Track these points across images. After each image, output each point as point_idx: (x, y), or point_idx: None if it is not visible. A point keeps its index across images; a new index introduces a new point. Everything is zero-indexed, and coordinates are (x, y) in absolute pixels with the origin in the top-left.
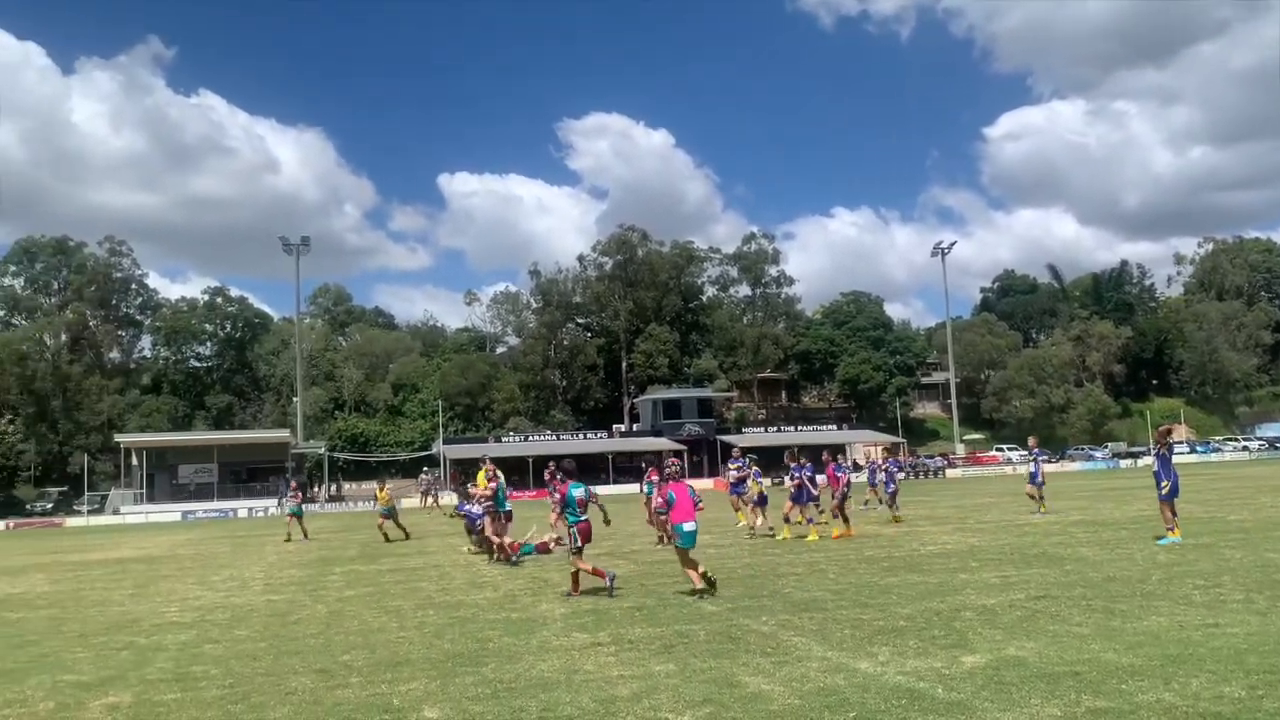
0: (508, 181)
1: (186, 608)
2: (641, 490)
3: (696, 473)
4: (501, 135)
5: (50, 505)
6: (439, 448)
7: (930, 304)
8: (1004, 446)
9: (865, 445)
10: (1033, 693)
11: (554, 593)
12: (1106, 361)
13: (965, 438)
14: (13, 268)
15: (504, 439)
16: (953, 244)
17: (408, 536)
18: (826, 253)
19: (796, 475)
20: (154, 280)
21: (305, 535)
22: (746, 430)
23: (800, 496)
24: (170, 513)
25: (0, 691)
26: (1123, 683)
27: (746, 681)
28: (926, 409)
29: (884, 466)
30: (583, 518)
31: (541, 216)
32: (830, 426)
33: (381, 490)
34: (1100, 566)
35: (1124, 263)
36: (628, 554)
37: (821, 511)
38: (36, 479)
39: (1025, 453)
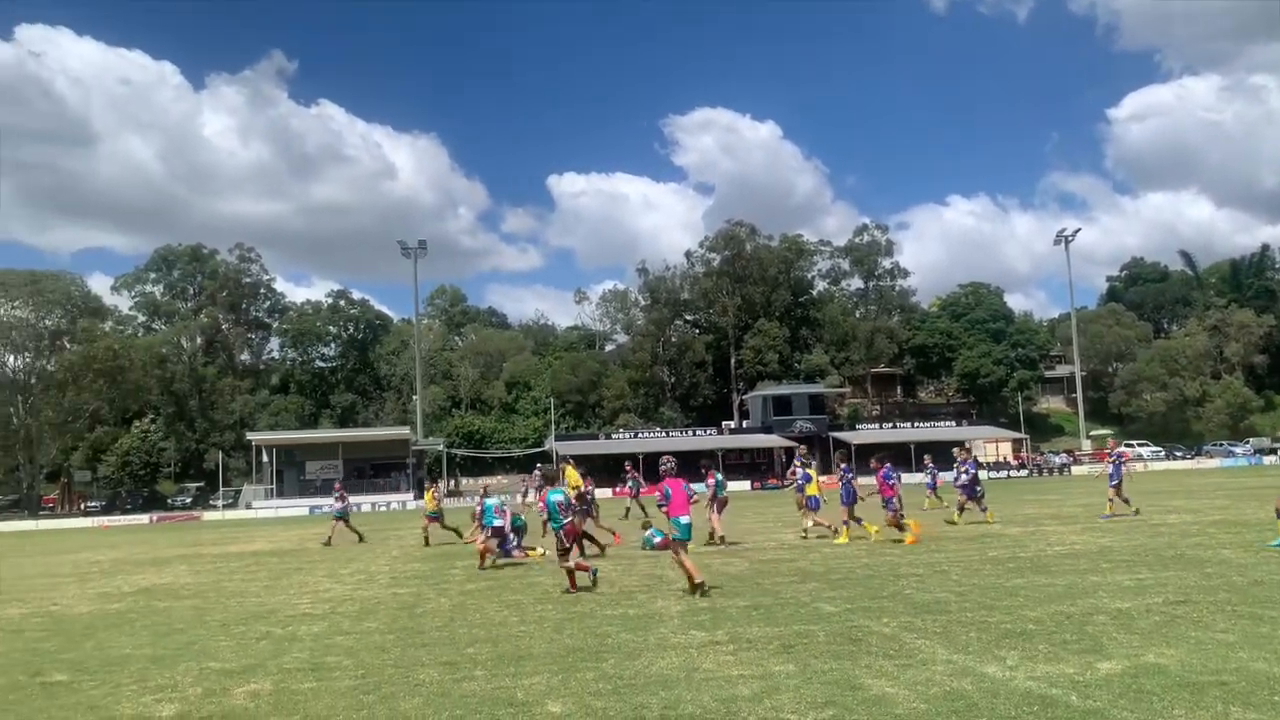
0: (614, 180)
1: (318, 600)
2: (709, 488)
3: None
4: (608, 134)
5: (189, 500)
6: (551, 444)
7: (1053, 294)
8: (1133, 442)
9: (986, 441)
10: (1175, 702)
11: (669, 590)
12: (1247, 352)
13: (1092, 433)
14: (152, 275)
15: (614, 436)
16: (1076, 231)
17: (461, 536)
18: (942, 243)
19: (847, 475)
20: (280, 285)
21: (359, 537)
22: (860, 427)
23: (848, 497)
24: (298, 507)
25: (154, 676)
26: (1275, 694)
27: (869, 684)
28: (1050, 403)
29: (963, 467)
30: (565, 521)
31: (648, 214)
32: (948, 422)
33: (430, 492)
34: (1245, 570)
35: (1265, 247)
36: (741, 552)
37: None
38: (176, 475)
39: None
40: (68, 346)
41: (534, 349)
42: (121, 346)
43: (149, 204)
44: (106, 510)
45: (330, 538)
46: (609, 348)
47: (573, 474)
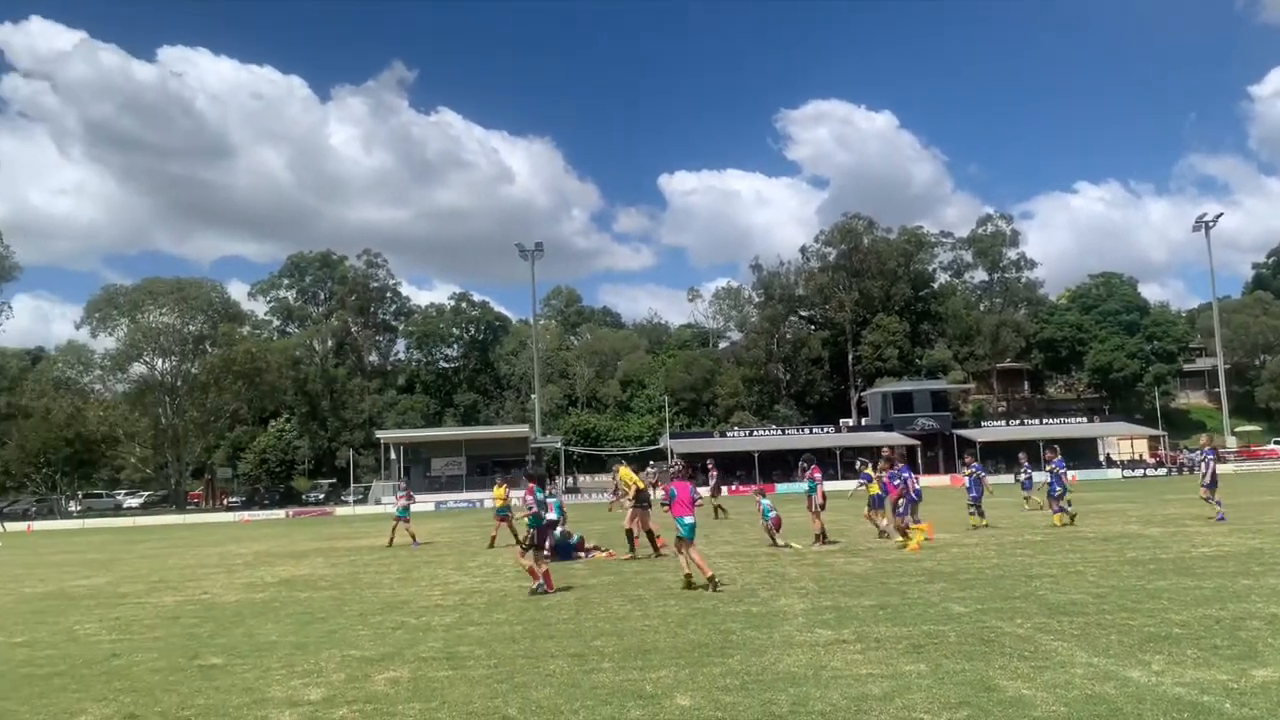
0: (726, 177)
1: (448, 591)
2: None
3: (931, 469)
4: (718, 131)
5: (322, 496)
6: (666, 442)
7: (1192, 284)
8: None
9: (1120, 439)
10: None
11: (792, 588)
12: None
13: (1237, 429)
14: (285, 281)
15: (729, 434)
16: (1218, 216)
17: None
18: (1070, 232)
19: (903, 476)
20: (404, 288)
21: (414, 540)
22: (986, 424)
23: (877, 503)
24: (424, 503)
25: (299, 662)
26: None
27: (1004, 685)
28: (1190, 398)
29: (1052, 467)
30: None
31: (760, 210)
32: (1079, 419)
33: (500, 488)
34: None
35: None
36: (865, 551)
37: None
38: (309, 472)
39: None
40: (209, 351)
41: (648, 348)
42: (259, 350)
43: (281, 212)
44: (246, 505)
45: (391, 539)
46: (722, 345)
47: (626, 473)
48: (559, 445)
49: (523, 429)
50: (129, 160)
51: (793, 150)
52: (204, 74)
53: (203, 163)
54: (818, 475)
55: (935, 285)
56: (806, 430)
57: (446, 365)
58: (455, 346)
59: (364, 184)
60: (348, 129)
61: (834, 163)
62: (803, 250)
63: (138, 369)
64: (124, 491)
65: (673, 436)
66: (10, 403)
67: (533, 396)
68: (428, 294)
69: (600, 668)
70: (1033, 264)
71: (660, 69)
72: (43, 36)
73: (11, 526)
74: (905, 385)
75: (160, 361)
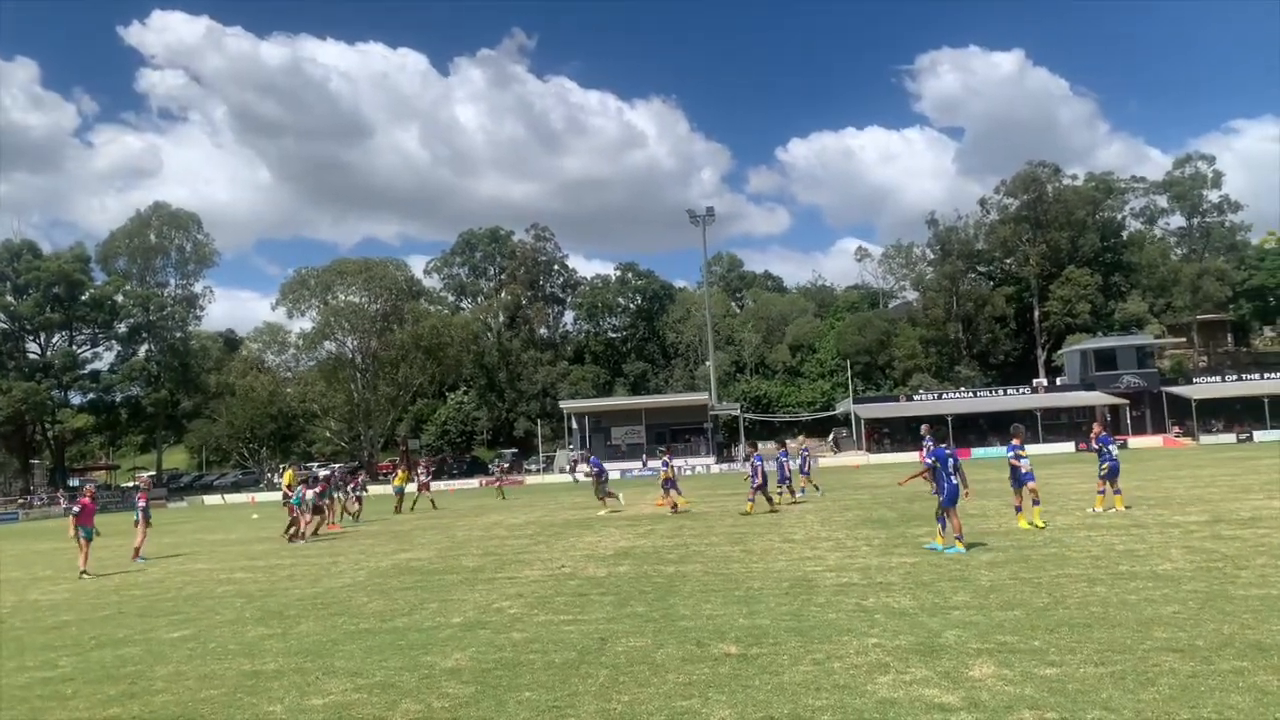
0: (858, 133)
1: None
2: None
3: (1139, 428)
4: (844, 87)
5: (506, 465)
6: (849, 407)
7: None
8: None
9: None
10: None
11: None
12: None
13: None
14: (458, 258)
15: (915, 397)
16: None
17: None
18: (1275, 169)
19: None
20: (571, 260)
21: (432, 504)
22: (1198, 380)
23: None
24: (611, 471)
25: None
26: None
27: None
28: None
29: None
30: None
31: (892, 164)
32: None
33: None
34: None
35: None
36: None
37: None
38: (488, 442)
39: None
40: (394, 329)
41: (815, 311)
42: (442, 325)
43: (421, 191)
44: (435, 475)
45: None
46: (893, 305)
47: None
48: (737, 412)
49: (701, 397)
50: (273, 144)
51: (922, 102)
52: (335, 58)
53: (343, 145)
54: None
55: (1125, 234)
56: (999, 392)
57: (614, 335)
58: (622, 316)
59: (492, 156)
60: (471, 101)
61: (968, 111)
62: (982, 202)
63: (329, 346)
64: (318, 464)
65: (856, 401)
66: (218, 381)
67: (705, 364)
68: (593, 265)
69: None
70: (1237, 206)
71: (783, 25)
72: (170, 30)
73: (231, 498)
74: (1107, 341)
75: (350, 340)
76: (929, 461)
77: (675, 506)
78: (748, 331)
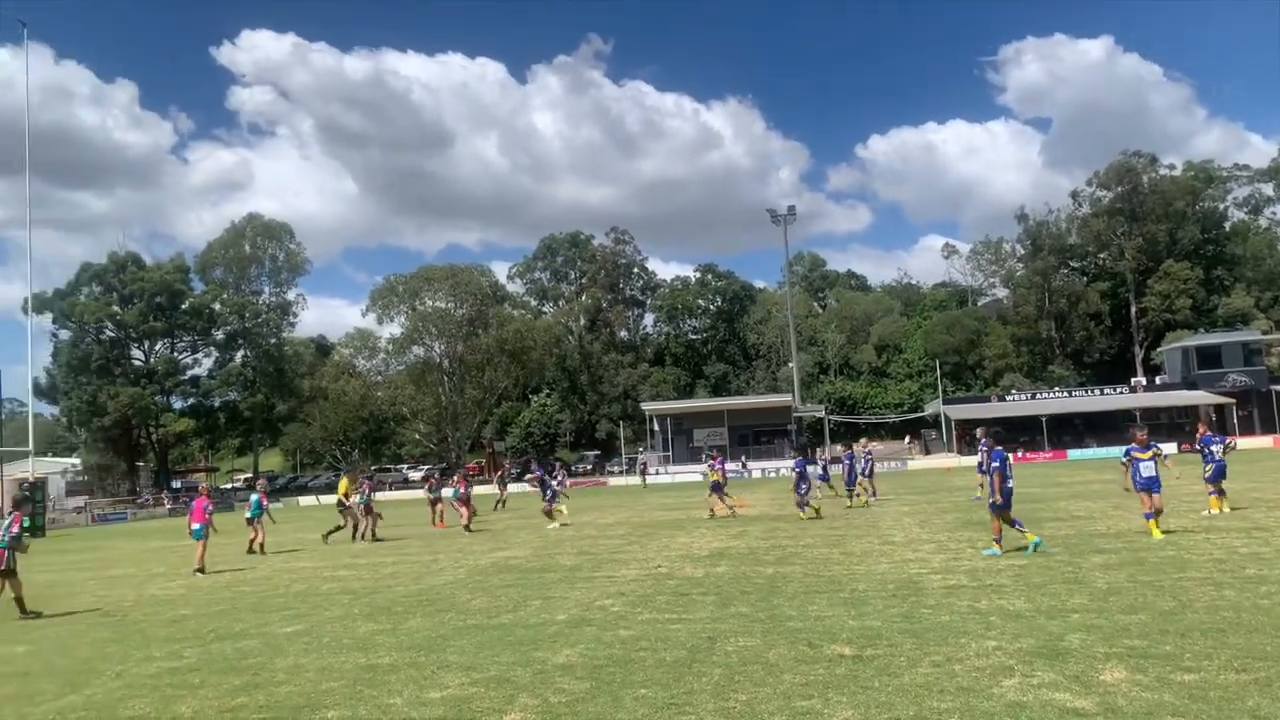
0: (938, 128)
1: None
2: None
3: (1247, 428)
4: (927, 80)
5: (589, 467)
6: (938, 408)
7: None
8: None
9: None
10: None
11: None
12: None
13: None
14: (539, 263)
15: (1009, 397)
16: None
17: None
18: None
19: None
20: (650, 263)
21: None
22: None
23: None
24: (691, 473)
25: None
26: None
27: None
28: None
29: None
30: None
31: (976, 158)
32: None
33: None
34: None
35: None
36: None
37: None
38: (570, 444)
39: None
40: (479, 333)
41: (901, 310)
42: (524, 329)
43: (501, 198)
44: (519, 477)
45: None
46: (981, 302)
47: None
48: (822, 414)
49: (785, 398)
50: (358, 155)
51: (1005, 94)
52: (416, 70)
53: (425, 155)
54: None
55: (1228, 225)
56: (1095, 391)
57: (694, 337)
58: (702, 318)
59: (569, 162)
60: (549, 108)
61: (1054, 100)
62: (1073, 195)
63: (417, 351)
64: (407, 465)
65: (946, 402)
66: (311, 386)
67: (788, 364)
68: (670, 267)
69: None
70: None
71: (861, 21)
72: (258, 48)
73: (325, 499)
74: (1211, 338)
75: (437, 344)
76: (995, 465)
77: (713, 512)
78: (831, 332)
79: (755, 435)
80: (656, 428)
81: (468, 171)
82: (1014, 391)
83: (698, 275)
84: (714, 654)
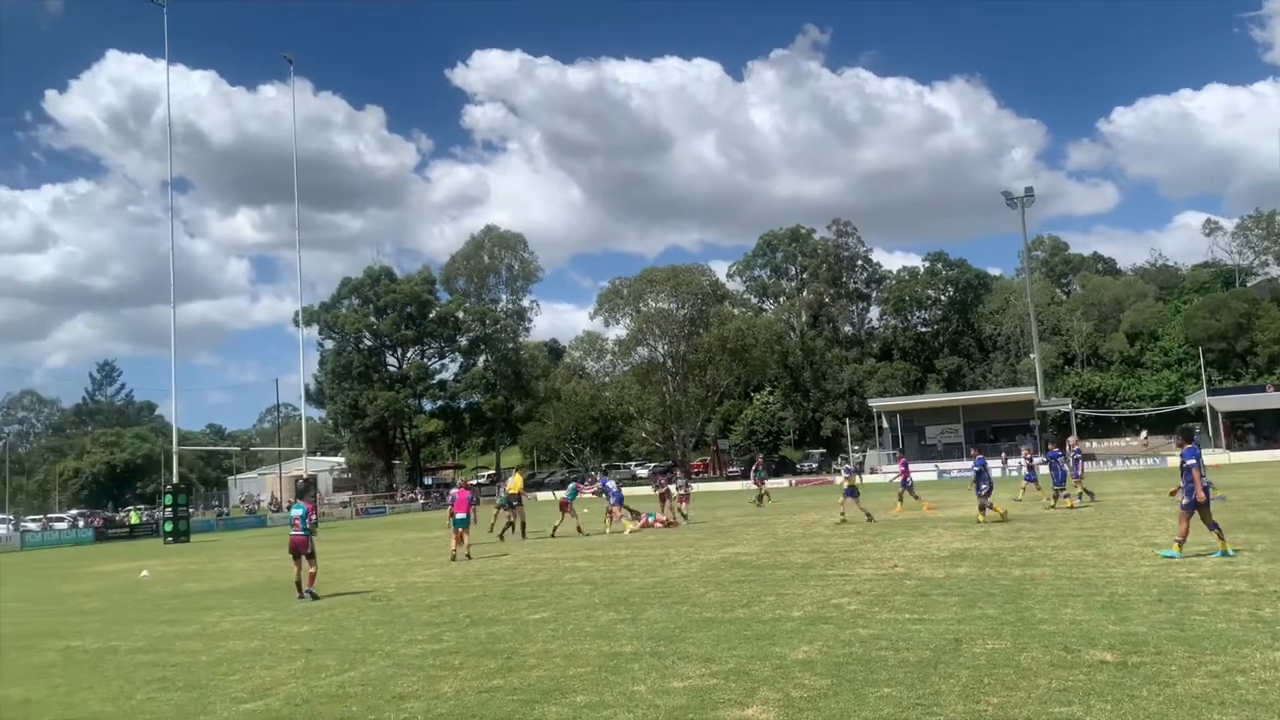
0: (1194, 94)
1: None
2: None
3: None
4: (1178, 44)
5: (814, 465)
6: (1202, 399)
7: None
8: None
9: None
10: None
11: None
12: None
13: None
14: (759, 260)
15: None
16: None
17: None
18: None
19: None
20: (874, 255)
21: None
22: None
23: None
24: (924, 472)
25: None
26: None
27: None
28: None
29: None
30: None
31: (1239, 124)
32: None
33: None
34: None
35: None
36: None
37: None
38: (794, 442)
39: None
40: (701, 332)
41: (1156, 294)
42: (746, 327)
43: (715, 195)
44: (743, 475)
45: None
46: (1251, 282)
47: None
48: (1068, 408)
49: (1026, 392)
50: (583, 165)
51: (1271, 51)
52: (635, 76)
53: (644, 159)
54: None
55: None
56: None
57: (924, 329)
58: (932, 309)
59: (787, 156)
60: (765, 103)
61: None
62: None
63: (641, 352)
64: (635, 463)
65: (1210, 393)
66: (545, 387)
67: (1029, 356)
68: (894, 258)
69: None
70: None
71: None
72: (488, 67)
73: (560, 494)
74: None
75: (661, 344)
76: (1190, 462)
77: (843, 517)
78: (1076, 320)
79: (994, 431)
80: (885, 425)
81: (686, 173)
82: None
83: (926, 265)
84: (960, 655)
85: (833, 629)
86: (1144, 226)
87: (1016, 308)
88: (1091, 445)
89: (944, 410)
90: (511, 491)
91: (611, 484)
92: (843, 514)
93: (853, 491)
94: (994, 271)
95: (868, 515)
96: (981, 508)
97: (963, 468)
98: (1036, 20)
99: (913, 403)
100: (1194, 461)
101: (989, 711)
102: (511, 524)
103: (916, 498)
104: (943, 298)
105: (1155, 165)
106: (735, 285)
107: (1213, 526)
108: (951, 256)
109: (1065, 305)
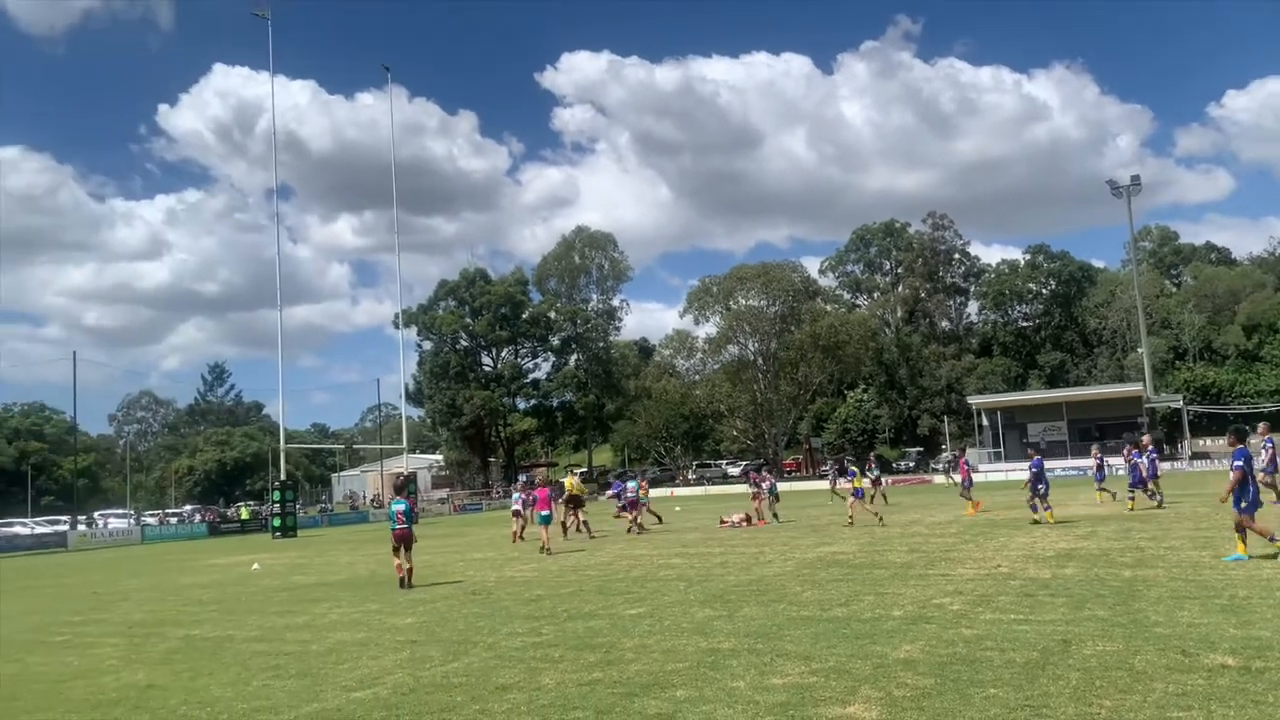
0: None
1: None
2: None
3: None
4: None
5: (911, 464)
6: None
7: None
8: None
9: None
10: None
11: None
12: None
13: None
14: (852, 255)
15: None
16: None
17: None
18: None
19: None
20: (973, 248)
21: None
22: None
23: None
24: (1021, 471)
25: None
26: None
27: None
28: None
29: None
30: None
31: None
32: None
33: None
34: None
35: None
36: None
37: None
38: (890, 440)
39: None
40: (792, 329)
41: (1276, 284)
42: (839, 323)
43: (807, 191)
44: (841, 473)
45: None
46: None
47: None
48: (1180, 404)
49: (1134, 388)
50: (671, 163)
51: None
52: (723, 73)
53: (734, 156)
54: None
55: None
56: None
57: (1025, 324)
58: (1034, 304)
59: (879, 149)
60: (856, 96)
61: None
62: None
63: (732, 349)
64: (726, 461)
65: None
66: (636, 386)
67: (1137, 351)
68: (992, 251)
69: None
70: None
71: None
72: (577, 69)
73: (654, 492)
74: None
75: (751, 342)
76: (1238, 463)
77: (875, 515)
78: (1188, 313)
79: (1100, 429)
80: (985, 422)
81: (775, 168)
82: None
83: (1026, 258)
84: (1069, 657)
85: (935, 629)
86: (1261, 214)
87: (1123, 301)
88: (1205, 443)
89: (1046, 407)
90: (571, 493)
91: (632, 484)
92: (850, 517)
93: (860, 493)
94: (1098, 264)
95: (878, 517)
96: (1033, 507)
97: (1066, 466)
98: (1139, 2)
99: (1014, 399)
100: (1241, 463)
101: (1102, 714)
102: (575, 524)
103: (969, 499)
104: (1044, 291)
105: (1272, 149)
106: (827, 281)
107: (1240, 530)
108: (1053, 249)
109: (1175, 297)
